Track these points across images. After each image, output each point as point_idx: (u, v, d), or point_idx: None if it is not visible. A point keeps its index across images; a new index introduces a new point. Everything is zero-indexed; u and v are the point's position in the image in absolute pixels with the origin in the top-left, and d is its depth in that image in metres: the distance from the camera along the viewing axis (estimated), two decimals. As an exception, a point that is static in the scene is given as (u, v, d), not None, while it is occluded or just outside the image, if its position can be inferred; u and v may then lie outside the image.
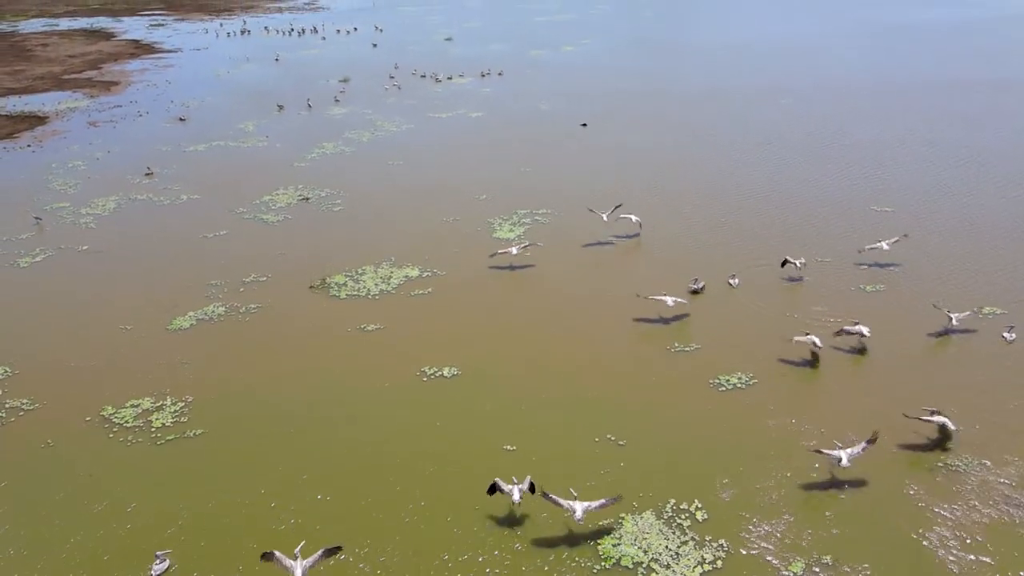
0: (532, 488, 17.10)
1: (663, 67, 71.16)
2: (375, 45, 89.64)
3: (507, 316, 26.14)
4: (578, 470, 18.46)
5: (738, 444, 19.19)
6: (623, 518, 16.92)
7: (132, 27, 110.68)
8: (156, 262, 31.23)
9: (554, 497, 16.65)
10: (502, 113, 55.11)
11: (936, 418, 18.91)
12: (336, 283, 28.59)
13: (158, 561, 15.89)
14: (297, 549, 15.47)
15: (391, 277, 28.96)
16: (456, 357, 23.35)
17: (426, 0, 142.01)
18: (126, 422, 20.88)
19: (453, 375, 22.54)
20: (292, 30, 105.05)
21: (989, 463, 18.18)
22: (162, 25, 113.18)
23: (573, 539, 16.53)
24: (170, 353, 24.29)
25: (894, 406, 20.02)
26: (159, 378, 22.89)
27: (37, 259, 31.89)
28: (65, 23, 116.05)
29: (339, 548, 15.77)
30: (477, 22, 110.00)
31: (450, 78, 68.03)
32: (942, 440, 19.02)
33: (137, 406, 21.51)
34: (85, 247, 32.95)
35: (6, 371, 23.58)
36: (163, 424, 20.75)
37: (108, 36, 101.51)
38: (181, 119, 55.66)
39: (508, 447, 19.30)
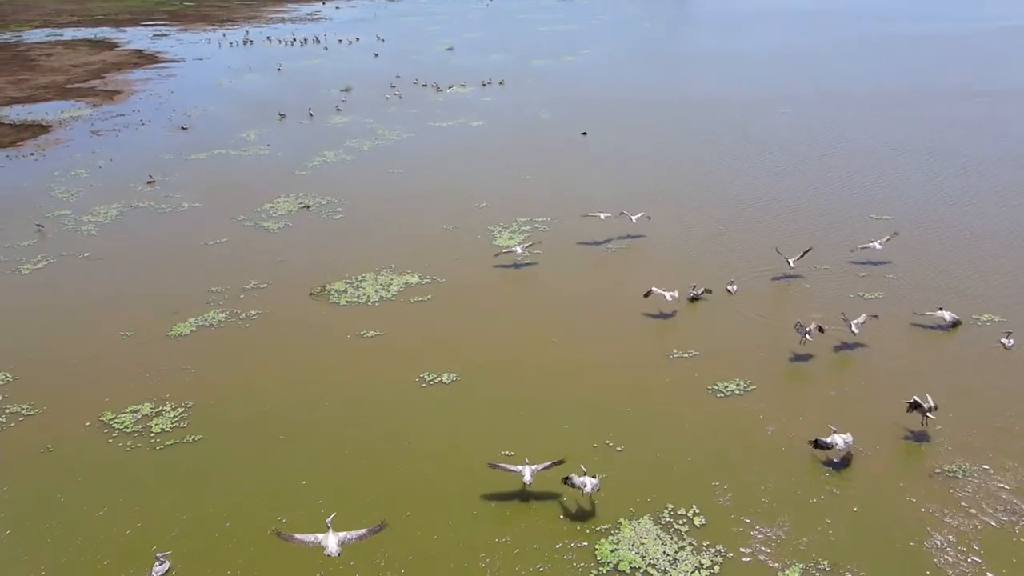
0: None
1: (663, 76, 71.52)
2: (377, 55, 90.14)
3: (506, 323, 26.22)
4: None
5: (736, 450, 19.23)
6: (621, 523, 16.95)
7: (135, 37, 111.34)
8: (157, 269, 31.36)
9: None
10: (503, 122, 55.37)
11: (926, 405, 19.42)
12: (336, 290, 28.69)
13: (158, 563, 15.93)
14: (328, 520, 15.72)
15: (391, 284, 29.06)
16: (455, 363, 23.41)
17: (428, 11, 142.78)
18: (126, 427, 20.93)
19: (452, 381, 22.60)
20: (294, 40, 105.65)
21: (987, 469, 18.20)
22: (165, 35, 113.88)
23: (571, 543, 16.54)
24: (170, 359, 24.37)
25: (892, 412, 20.07)
26: (159, 384, 22.96)
27: (39, 266, 32.03)
28: (69, 33, 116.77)
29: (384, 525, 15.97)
30: (478, 32, 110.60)
31: (451, 87, 68.36)
32: (925, 434, 19.50)
33: (137, 411, 21.57)
34: (86, 254, 33.08)
35: (7, 377, 23.65)
36: (162, 429, 20.80)
37: (111, 46, 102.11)
38: (183, 128, 55.94)
39: (506, 452, 19.32)
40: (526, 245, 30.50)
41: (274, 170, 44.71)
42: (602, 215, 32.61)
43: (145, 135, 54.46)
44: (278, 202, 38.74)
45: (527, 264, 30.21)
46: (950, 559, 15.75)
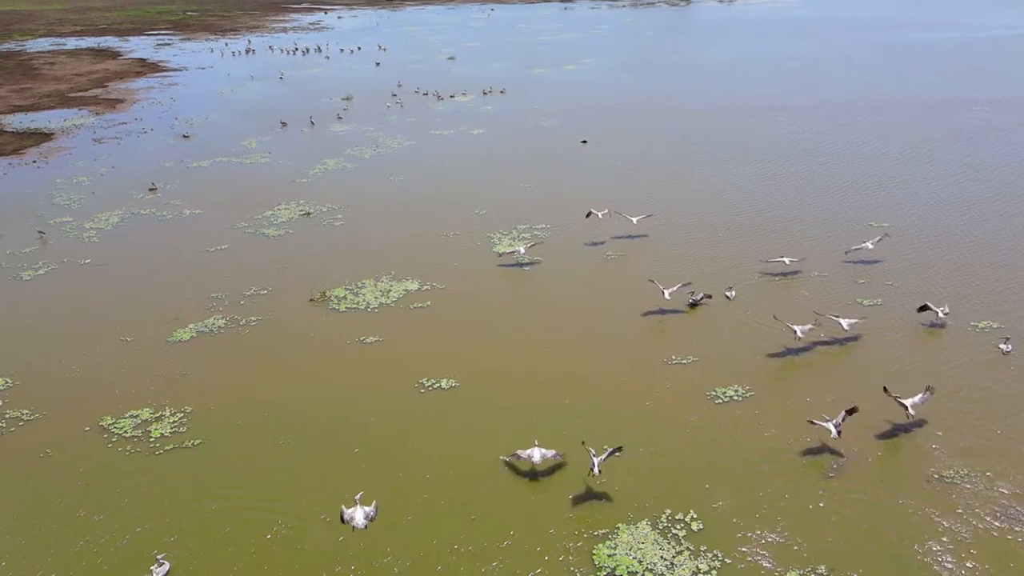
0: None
1: (663, 85, 71.80)
2: (378, 64, 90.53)
3: (505, 329, 26.29)
4: (574, 480, 18.51)
5: (734, 455, 19.26)
6: (619, 528, 16.97)
7: (139, 46, 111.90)
8: (158, 275, 31.47)
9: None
10: (503, 130, 55.59)
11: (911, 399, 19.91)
12: (336, 296, 28.78)
13: (158, 564, 15.96)
14: (357, 496, 16.70)
15: (391, 290, 29.15)
16: (454, 369, 23.48)
17: (429, 21, 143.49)
18: (125, 432, 20.99)
19: (451, 387, 22.66)
20: (296, 49, 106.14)
21: (984, 474, 18.21)
22: (168, 44, 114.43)
23: (568, 548, 16.56)
24: (170, 365, 24.44)
25: (889, 418, 20.10)
26: (158, 389, 23.03)
27: (40, 272, 32.15)
28: (72, 42, 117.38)
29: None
30: (479, 42, 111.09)
31: (452, 96, 68.64)
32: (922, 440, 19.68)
33: (136, 417, 21.63)
34: (88, 260, 33.21)
35: (6, 382, 23.72)
36: (162, 434, 20.85)
37: (114, 55, 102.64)
38: (185, 136, 56.19)
39: (504, 457, 19.37)
40: (529, 245, 31.46)
41: (275, 178, 44.90)
42: (599, 214, 33.51)
43: (147, 143, 54.70)
44: (279, 209, 38.90)
45: (528, 266, 30.37)
46: (948, 564, 15.76)
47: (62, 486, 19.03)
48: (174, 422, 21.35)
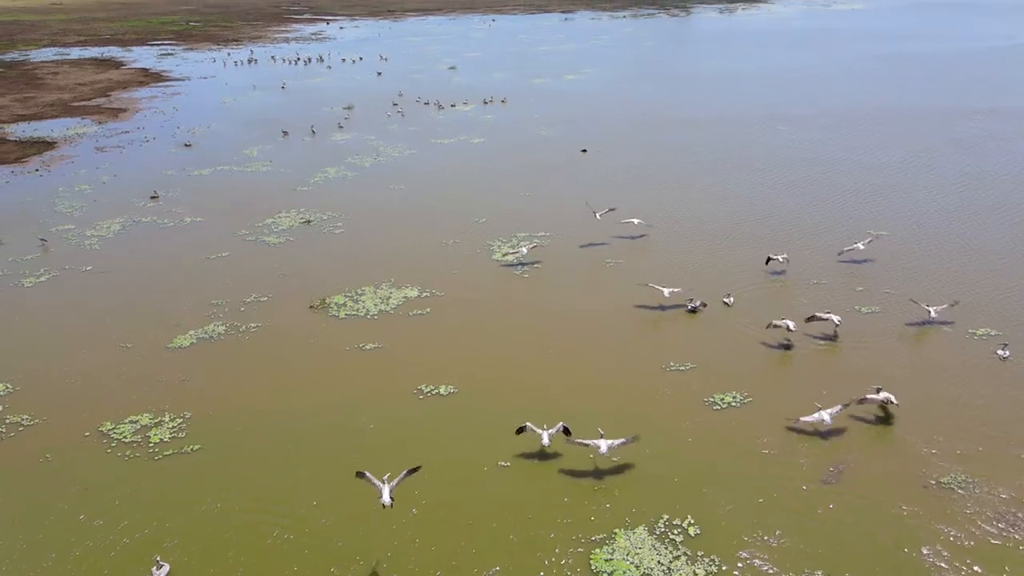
0: (567, 431, 19.54)
1: (663, 95, 72.05)
2: (380, 74, 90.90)
3: (504, 335, 26.36)
4: (572, 485, 18.56)
5: (731, 461, 19.30)
6: (616, 533, 16.99)
7: (142, 56, 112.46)
8: (158, 282, 31.59)
9: (581, 440, 19.06)
10: (503, 139, 55.79)
11: (880, 395, 20.46)
12: (336, 303, 28.87)
13: (157, 567, 15.99)
14: (384, 476, 17.08)
15: (390, 298, 29.24)
16: (453, 375, 23.54)
17: (431, 31, 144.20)
18: (124, 437, 21.05)
19: (450, 393, 22.72)
20: (298, 59, 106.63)
21: (982, 480, 18.23)
22: (171, 54, 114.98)
23: (566, 551, 16.58)
24: (170, 371, 24.52)
25: (887, 423, 20.13)
26: (158, 395, 23.10)
27: (42, 279, 32.27)
28: (76, 52, 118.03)
29: (418, 468, 17.51)
30: (480, 52, 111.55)
31: (453, 105, 68.92)
32: (887, 417, 20.55)
33: (136, 422, 21.70)
34: (89, 268, 33.34)
35: (7, 387, 23.81)
36: (161, 440, 20.91)
37: (118, 65, 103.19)
38: (187, 145, 56.44)
39: (503, 463, 19.42)
40: (531, 246, 32.27)
41: (276, 186, 45.08)
42: (598, 214, 34.59)
43: (149, 152, 54.95)
44: (279, 217, 39.05)
45: (527, 274, 30.44)
46: (944, 570, 15.76)
47: (62, 491, 19.10)
48: (173, 427, 21.42)
